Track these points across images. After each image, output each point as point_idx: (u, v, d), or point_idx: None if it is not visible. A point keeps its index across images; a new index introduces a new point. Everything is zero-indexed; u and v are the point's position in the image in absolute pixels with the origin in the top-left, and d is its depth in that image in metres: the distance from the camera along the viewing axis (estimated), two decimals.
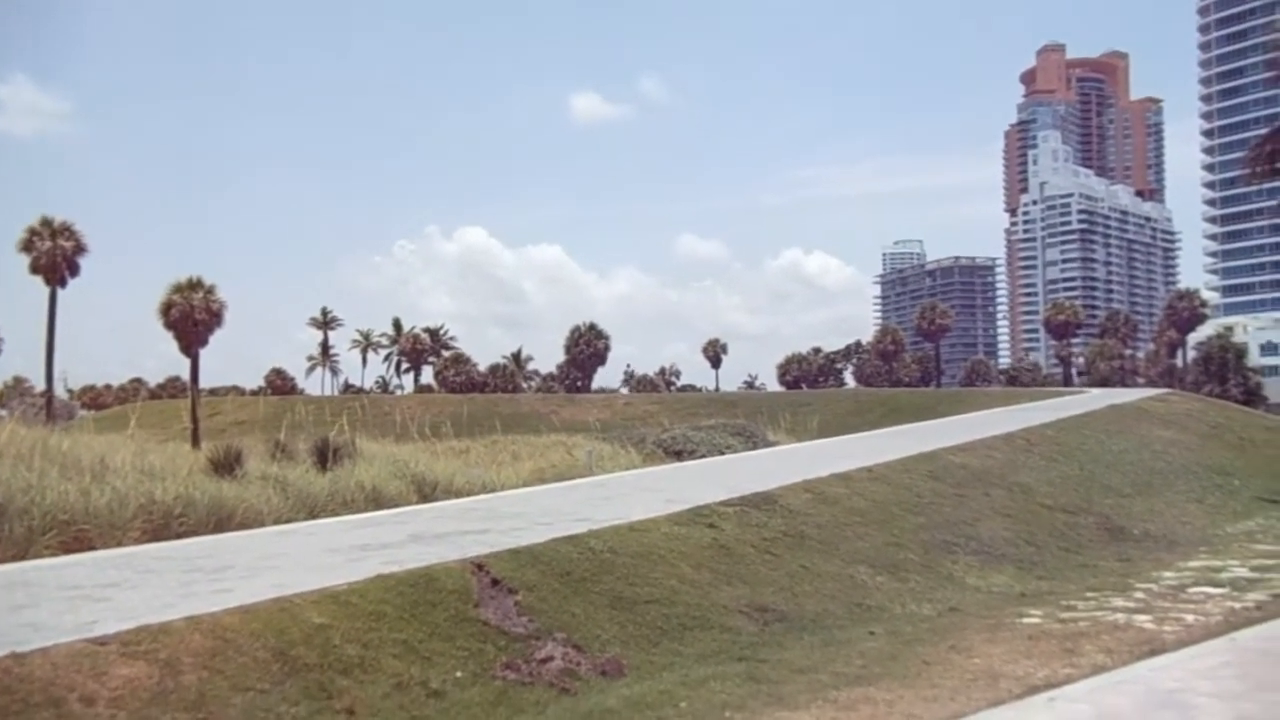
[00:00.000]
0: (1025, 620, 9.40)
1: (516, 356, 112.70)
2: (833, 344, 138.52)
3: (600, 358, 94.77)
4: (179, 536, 12.79)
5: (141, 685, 6.06)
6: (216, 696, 6.19)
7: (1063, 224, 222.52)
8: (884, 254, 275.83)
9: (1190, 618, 9.30)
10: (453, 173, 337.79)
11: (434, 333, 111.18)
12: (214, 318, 48.52)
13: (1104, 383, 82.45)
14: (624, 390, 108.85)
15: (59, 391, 60.02)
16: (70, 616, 6.99)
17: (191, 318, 47.39)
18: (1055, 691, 6.70)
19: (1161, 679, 6.85)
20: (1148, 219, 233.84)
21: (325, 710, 6.43)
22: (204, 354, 50.19)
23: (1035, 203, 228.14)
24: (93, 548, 11.79)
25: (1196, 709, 6.08)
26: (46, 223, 52.75)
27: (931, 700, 6.63)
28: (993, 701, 6.56)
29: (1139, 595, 10.63)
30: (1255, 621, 8.99)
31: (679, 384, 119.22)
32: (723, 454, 26.01)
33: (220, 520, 14.22)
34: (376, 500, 17.19)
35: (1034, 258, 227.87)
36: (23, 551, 11.52)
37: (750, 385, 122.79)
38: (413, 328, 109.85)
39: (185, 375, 57.58)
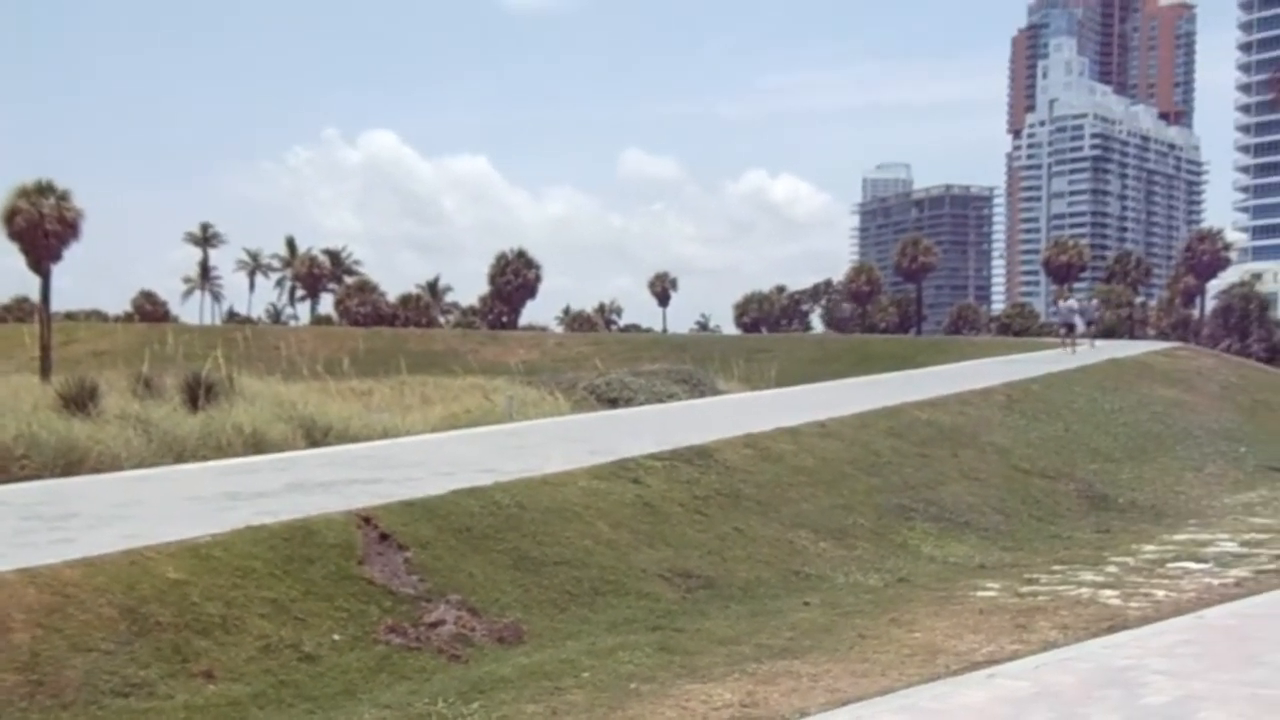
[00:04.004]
0: (979, 594, 9.87)
1: (432, 286, 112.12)
2: (802, 282, 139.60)
3: (530, 290, 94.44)
4: (20, 480, 12.86)
5: None
6: (52, 657, 6.39)
7: (1073, 149, 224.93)
8: (864, 179, 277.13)
9: (1161, 594, 9.82)
10: (356, 64, 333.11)
11: (335, 255, 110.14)
12: (68, 228, 47.73)
13: (1109, 334, 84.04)
14: (557, 328, 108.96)
15: None
16: None
17: (41, 228, 46.59)
18: (996, 668, 7.12)
19: (1113, 657, 7.30)
20: (1171, 146, 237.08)
21: (180, 674, 6.66)
22: (56, 271, 49.51)
23: (1043, 123, 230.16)
24: None
25: (1144, 687, 6.52)
26: None
27: (860, 675, 7.02)
28: (927, 678, 6.96)
29: (1111, 570, 11.17)
30: (1230, 599, 9.53)
31: (620, 323, 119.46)
32: (663, 403, 26.39)
33: (70, 464, 14.32)
34: (257, 445, 17.31)
35: (1038, 188, 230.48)
36: None
37: (703, 327, 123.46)
38: (310, 249, 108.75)
39: (34, 295, 56.67)
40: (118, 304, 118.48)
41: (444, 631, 7.89)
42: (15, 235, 47.13)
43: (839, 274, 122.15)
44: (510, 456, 13.02)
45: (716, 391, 30.78)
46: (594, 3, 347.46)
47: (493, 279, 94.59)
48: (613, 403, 28.34)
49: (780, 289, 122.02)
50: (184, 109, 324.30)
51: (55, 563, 7.22)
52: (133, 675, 6.47)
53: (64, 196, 47.65)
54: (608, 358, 51.00)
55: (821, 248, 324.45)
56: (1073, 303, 41.20)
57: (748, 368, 37.00)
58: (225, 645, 7.04)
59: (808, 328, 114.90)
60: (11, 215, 46.85)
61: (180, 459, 15.44)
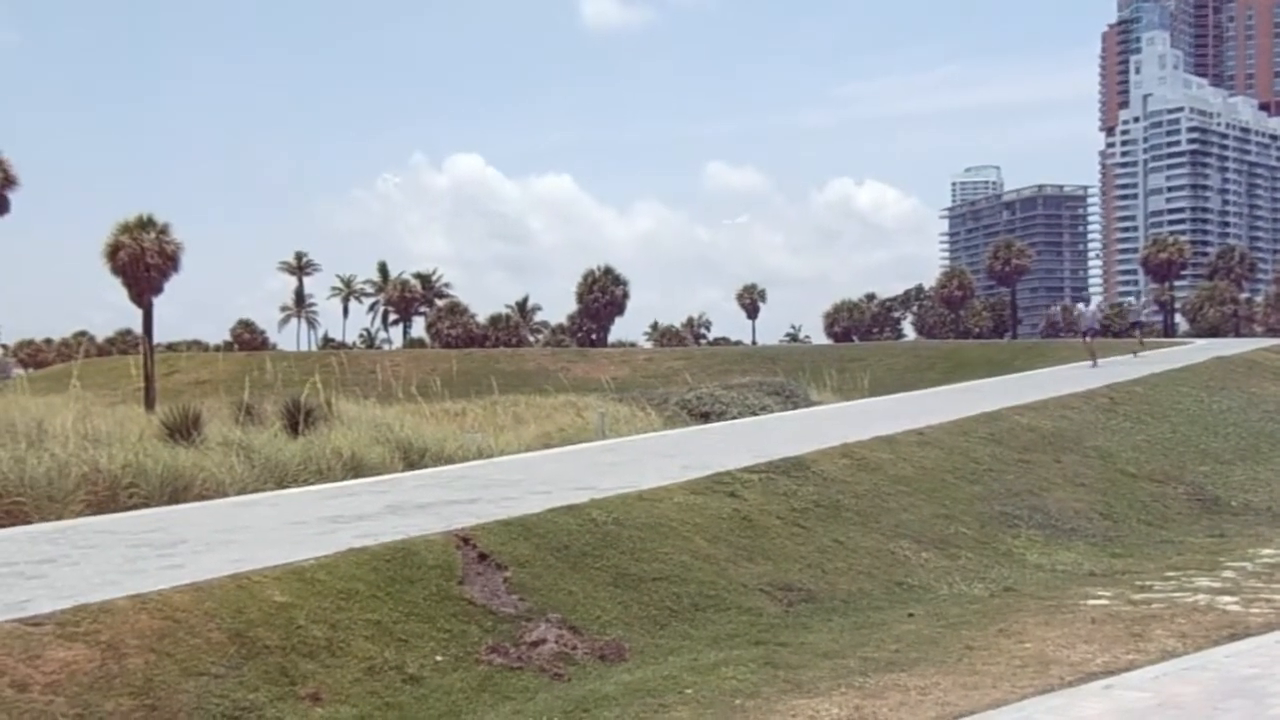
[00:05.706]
0: (1090, 602, 9.60)
1: (522, 305, 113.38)
2: (891, 289, 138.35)
3: (618, 306, 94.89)
4: (128, 509, 13.14)
5: (81, 669, 6.37)
6: (165, 681, 6.49)
7: (1170, 145, 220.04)
8: (953, 183, 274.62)
9: None
10: (440, 90, 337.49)
11: (425, 278, 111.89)
12: (169, 261, 48.97)
13: (1213, 332, 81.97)
14: (646, 344, 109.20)
15: None
16: (1, 595, 7.31)
17: (143, 261, 47.85)
18: (1113, 679, 6.91)
19: (1237, 665, 7.05)
20: (1274, 137, 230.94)
21: (288, 696, 6.73)
22: (158, 304, 50.89)
23: (1137, 119, 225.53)
24: (29, 521, 12.17)
25: (1273, 697, 6.28)
26: None
27: (971, 688, 6.85)
28: (1040, 689, 6.78)
29: (1228, 574, 10.81)
30: None
31: (710, 337, 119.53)
32: (756, 415, 26.26)
33: (176, 491, 14.58)
34: (355, 468, 17.51)
35: (1134, 186, 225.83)
36: None
37: (793, 338, 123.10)
38: (401, 273, 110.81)
39: (137, 328, 58.32)
40: (217, 334, 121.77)
41: (545, 650, 7.88)
42: (118, 270, 48.45)
43: (929, 280, 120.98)
44: (605, 473, 13.02)
45: (809, 402, 30.57)
46: (671, 18, 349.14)
47: (581, 297, 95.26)
48: (704, 417, 28.28)
49: (870, 297, 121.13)
50: (277, 140, 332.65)
51: (165, 589, 7.35)
52: (242, 699, 6.56)
53: (164, 230, 48.93)
54: (698, 372, 51.04)
55: (910, 253, 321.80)
56: (1093, 307, 39.83)
57: (840, 378, 36.75)
58: (331, 668, 7.10)
59: (899, 335, 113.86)
60: (115, 250, 48.19)
61: (282, 484, 15.66)
